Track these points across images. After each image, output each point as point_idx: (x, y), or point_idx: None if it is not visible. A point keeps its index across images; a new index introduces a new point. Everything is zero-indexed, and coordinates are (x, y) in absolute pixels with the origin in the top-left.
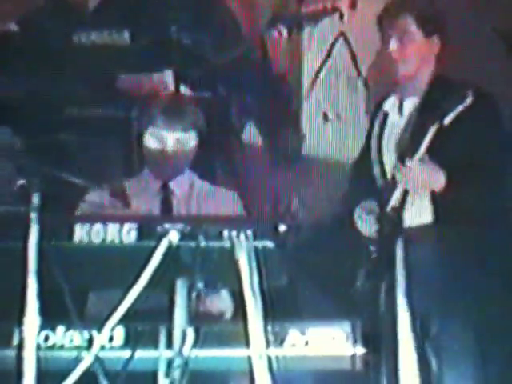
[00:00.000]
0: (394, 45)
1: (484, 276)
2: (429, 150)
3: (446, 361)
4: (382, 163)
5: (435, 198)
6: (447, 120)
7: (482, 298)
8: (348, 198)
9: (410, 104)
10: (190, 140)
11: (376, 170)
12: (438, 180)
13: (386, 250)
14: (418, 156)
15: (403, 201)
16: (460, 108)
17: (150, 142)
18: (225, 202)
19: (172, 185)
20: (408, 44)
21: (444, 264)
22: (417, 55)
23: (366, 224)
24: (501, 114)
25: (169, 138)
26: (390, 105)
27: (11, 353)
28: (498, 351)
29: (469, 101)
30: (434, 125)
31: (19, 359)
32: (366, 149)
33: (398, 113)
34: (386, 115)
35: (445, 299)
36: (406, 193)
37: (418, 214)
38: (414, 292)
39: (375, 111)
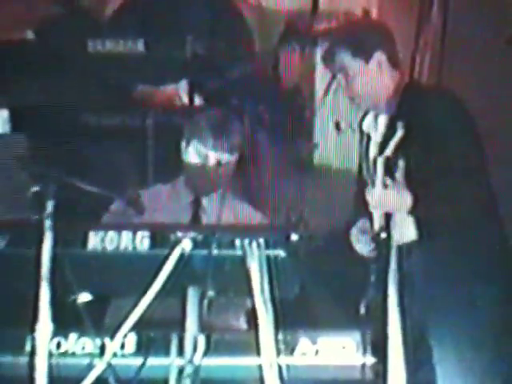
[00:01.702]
0: (342, 83)
1: (473, 285)
2: (391, 170)
3: (441, 373)
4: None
5: (418, 216)
6: (388, 152)
7: (473, 307)
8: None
9: (383, 121)
10: (229, 164)
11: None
12: (404, 201)
13: (382, 268)
14: (378, 182)
15: (387, 220)
16: (394, 141)
17: (192, 155)
18: (254, 221)
19: (203, 200)
20: (352, 78)
21: (433, 277)
22: (367, 83)
23: (361, 244)
24: (468, 116)
25: (212, 158)
26: (367, 125)
27: (23, 360)
28: (493, 358)
29: (400, 133)
30: (380, 157)
31: (31, 366)
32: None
33: (374, 131)
34: (368, 136)
35: (437, 312)
36: (388, 214)
37: (405, 231)
38: (406, 307)
39: (360, 131)
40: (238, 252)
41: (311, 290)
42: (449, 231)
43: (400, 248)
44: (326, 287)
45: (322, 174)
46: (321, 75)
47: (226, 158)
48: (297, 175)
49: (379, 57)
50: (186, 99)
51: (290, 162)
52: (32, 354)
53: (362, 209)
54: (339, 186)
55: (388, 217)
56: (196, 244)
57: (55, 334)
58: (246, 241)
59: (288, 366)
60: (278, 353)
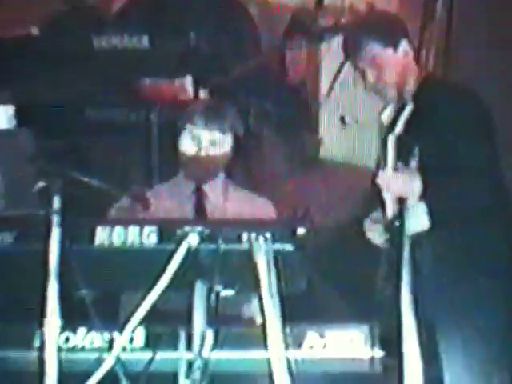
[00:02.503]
0: (370, 77)
1: (481, 277)
2: (405, 155)
3: (450, 365)
4: None
5: (429, 204)
6: (398, 130)
7: (480, 300)
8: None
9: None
10: (226, 143)
11: None
12: (415, 186)
13: (395, 259)
14: (389, 165)
15: (401, 209)
16: (404, 116)
17: (186, 141)
18: (259, 207)
19: (206, 189)
20: (382, 69)
21: (445, 268)
22: (396, 72)
23: (375, 234)
24: (485, 112)
25: (205, 138)
26: (385, 117)
27: (33, 355)
28: (502, 353)
29: (409, 108)
30: (391, 135)
31: (41, 361)
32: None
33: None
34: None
35: (444, 304)
36: (401, 201)
37: (418, 220)
38: (419, 298)
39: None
40: (245, 246)
41: (318, 283)
42: (460, 222)
43: (412, 237)
44: (333, 280)
45: (328, 168)
46: (326, 70)
47: (218, 137)
48: (303, 170)
49: (405, 45)
50: (191, 94)
51: (295, 157)
52: (41, 349)
53: (376, 201)
54: (345, 180)
55: (401, 204)
56: (203, 238)
57: (64, 328)
58: (253, 235)
59: (296, 360)
60: (286, 346)
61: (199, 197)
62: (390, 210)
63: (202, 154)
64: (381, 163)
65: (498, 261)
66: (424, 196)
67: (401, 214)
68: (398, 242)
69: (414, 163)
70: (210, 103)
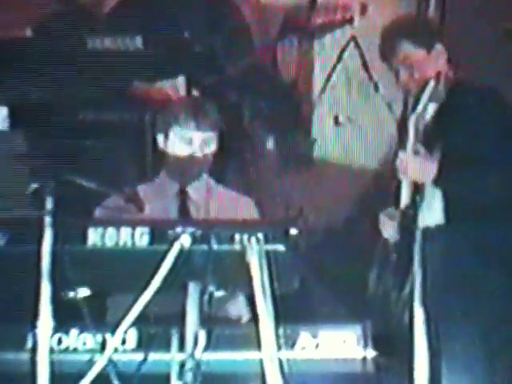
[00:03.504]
0: (403, 77)
1: (499, 275)
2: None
3: (458, 363)
4: None
5: (446, 196)
6: (419, 108)
7: (497, 299)
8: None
9: (431, 110)
10: (213, 141)
11: None
12: (430, 170)
13: (405, 251)
14: (410, 147)
15: (414, 199)
16: (427, 94)
17: (175, 144)
18: (242, 207)
19: (189, 190)
20: (415, 69)
21: (459, 265)
22: (428, 73)
23: (389, 229)
24: (506, 106)
25: (197, 139)
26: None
27: (25, 356)
28: (500, 351)
29: (432, 85)
30: (412, 115)
31: (33, 362)
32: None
33: (411, 108)
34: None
35: (459, 300)
36: (415, 191)
37: (431, 214)
38: (430, 293)
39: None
40: (238, 247)
41: (311, 284)
42: (475, 215)
43: (424, 232)
44: (325, 281)
45: (321, 168)
46: (319, 69)
47: (209, 135)
48: (296, 170)
49: (439, 48)
50: (183, 95)
51: (288, 157)
52: (33, 350)
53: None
54: (338, 180)
55: (415, 193)
56: (195, 239)
57: (56, 330)
58: (246, 236)
59: (289, 360)
60: (279, 347)
61: (183, 198)
62: (405, 196)
63: (198, 154)
64: (400, 145)
65: (507, 261)
66: (439, 181)
67: (414, 203)
68: (409, 234)
69: (437, 154)
70: (190, 101)
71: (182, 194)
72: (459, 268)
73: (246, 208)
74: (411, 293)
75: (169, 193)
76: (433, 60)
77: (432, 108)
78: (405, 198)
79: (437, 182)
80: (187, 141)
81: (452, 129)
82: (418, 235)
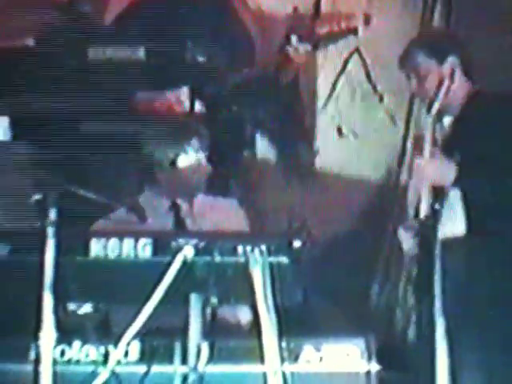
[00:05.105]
0: (413, 85)
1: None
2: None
3: (478, 374)
4: None
5: (468, 206)
6: (435, 109)
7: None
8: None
9: (447, 123)
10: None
11: None
12: (449, 172)
13: (425, 262)
14: (427, 151)
15: (434, 209)
16: (442, 92)
17: (182, 162)
18: (224, 209)
19: (183, 204)
20: (425, 79)
21: (480, 276)
22: (437, 84)
23: (407, 241)
24: None
25: (202, 158)
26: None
27: (28, 367)
28: None
29: (446, 85)
30: (428, 118)
31: (36, 374)
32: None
33: (427, 110)
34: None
35: (480, 311)
36: (435, 201)
37: (452, 224)
38: (449, 303)
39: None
40: (241, 259)
41: (314, 296)
42: (496, 221)
43: (444, 243)
44: (329, 294)
45: (325, 179)
46: (323, 80)
47: (207, 153)
48: (299, 181)
49: (453, 61)
50: (187, 106)
51: (291, 169)
52: (36, 361)
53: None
54: (341, 191)
55: (435, 201)
56: (198, 251)
57: (59, 341)
58: (249, 247)
59: (292, 374)
60: (282, 360)
61: (177, 210)
62: (425, 206)
63: (204, 166)
64: (415, 153)
65: None
66: (459, 182)
67: (434, 212)
68: (429, 245)
69: (456, 154)
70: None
71: (176, 206)
72: (480, 278)
73: (230, 209)
74: (431, 304)
75: (162, 207)
76: (444, 72)
77: (448, 120)
78: (424, 208)
79: (457, 184)
80: (196, 160)
81: (471, 136)
82: (438, 246)
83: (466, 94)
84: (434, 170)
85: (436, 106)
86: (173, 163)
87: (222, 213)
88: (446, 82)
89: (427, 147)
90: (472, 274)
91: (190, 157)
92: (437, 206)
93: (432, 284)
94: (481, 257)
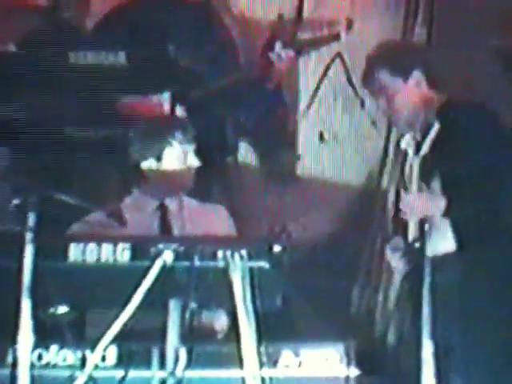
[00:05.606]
0: (382, 105)
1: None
2: (428, 177)
3: None
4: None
5: (456, 225)
6: (423, 151)
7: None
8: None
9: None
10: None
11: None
12: (438, 203)
13: (414, 282)
14: (413, 186)
15: (422, 231)
16: (431, 137)
17: (171, 160)
18: (213, 215)
19: (166, 202)
20: (392, 98)
21: (470, 292)
22: (406, 102)
23: (396, 261)
24: (501, 127)
25: (191, 151)
26: (406, 143)
27: (5, 371)
28: None
29: (436, 128)
30: (416, 157)
31: (13, 378)
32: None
33: (415, 151)
34: (405, 154)
35: (470, 328)
36: (422, 223)
37: (442, 242)
38: (438, 321)
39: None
40: (221, 263)
41: (294, 301)
42: (487, 240)
43: (433, 260)
44: (309, 299)
45: (306, 184)
46: (305, 85)
47: (194, 150)
48: (280, 186)
49: (418, 76)
50: (168, 110)
51: (272, 173)
52: (14, 365)
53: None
54: (323, 196)
55: (422, 226)
56: (177, 256)
57: (36, 345)
58: (229, 252)
59: (271, 379)
60: (261, 365)
61: (164, 211)
62: (413, 229)
63: (189, 166)
64: (401, 187)
65: None
66: (449, 212)
67: (422, 235)
68: (417, 264)
69: (435, 183)
70: (177, 118)
71: (163, 207)
72: (472, 297)
73: (217, 215)
74: (419, 325)
75: (149, 208)
76: (410, 89)
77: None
78: (412, 232)
79: (446, 214)
80: (183, 155)
81: (448, 153)
82: (428, 265)
83: (433, 106)
84: (423, 204)
85: (426, 148)
86: (158, 158)
87: (212, 218)
88: (436, 127)
89: (414, 184)
90: (463, 290)
91: (176, 150)
92: (425, 228)
93: (420, 301)
94: (471, 273)
